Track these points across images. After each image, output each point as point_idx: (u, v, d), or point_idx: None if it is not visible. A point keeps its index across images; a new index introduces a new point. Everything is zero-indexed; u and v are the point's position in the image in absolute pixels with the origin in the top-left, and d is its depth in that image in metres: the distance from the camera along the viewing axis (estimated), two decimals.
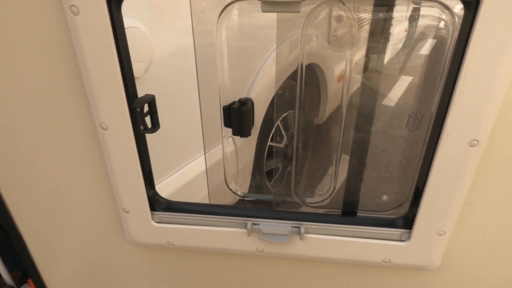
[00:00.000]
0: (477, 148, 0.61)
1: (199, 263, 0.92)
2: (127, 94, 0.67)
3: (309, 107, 0.71)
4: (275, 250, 0.81)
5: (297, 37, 0.63)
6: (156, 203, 0.83)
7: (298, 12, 0.51)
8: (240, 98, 0.69)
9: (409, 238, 0.75)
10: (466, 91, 0.56)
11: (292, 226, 0.78)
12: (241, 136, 0.72)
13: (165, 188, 1.20)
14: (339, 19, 0.60)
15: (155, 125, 0.74)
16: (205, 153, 0.78)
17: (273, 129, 1.63)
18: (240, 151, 1.27)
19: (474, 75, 0.54)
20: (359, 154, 0.75)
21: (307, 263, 0.86)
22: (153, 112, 0.73)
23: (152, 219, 0.81)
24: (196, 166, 0.95)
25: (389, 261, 0.77)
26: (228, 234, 0.80)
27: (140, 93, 1.26)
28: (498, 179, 0.68)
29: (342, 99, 0.74)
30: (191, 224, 0.81)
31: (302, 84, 0.70)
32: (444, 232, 0.72)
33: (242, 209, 0.82)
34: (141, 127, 0.72)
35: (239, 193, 0.87)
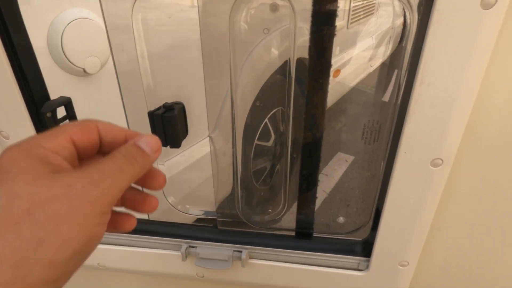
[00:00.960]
0: (442, 167, 0.50)
1: (135, 286, 0.82)
2: (31, 96, 0.57)
3: (299, 103, 0.60)
4: (218, 276, 0.70)
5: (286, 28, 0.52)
6: None
7: None
8: (166, 103, 0.58)
9: (367, 268, 0.64)
10: (423, 99, 0.45)
11: (234, 250, 0.67)
12: (170, 147, 0.61)
13: None
14: (274, 8, 0.49)
15: None
16: None
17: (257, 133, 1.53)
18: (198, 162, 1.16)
19: (433, 78, 0.43)
20: (312, 165, 0.64)
21: None
22: (70, 117, 0.63)
23: None
24: None
25: None
26: (165, 257, 0.70)
27: (95, 92, 1.16)
28: (470, 201, 0.57)
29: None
30: (122, 245, 0.71)
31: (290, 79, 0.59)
32: (408, 263, 0.61)
33: (181, 228, 0.72)
34: None
35: (179, 207, 0.76)
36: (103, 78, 1.15)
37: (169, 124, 0.58)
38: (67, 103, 0.61)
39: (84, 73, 1.10)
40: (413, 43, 0.46)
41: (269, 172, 1.69)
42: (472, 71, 0.42)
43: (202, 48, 0.55)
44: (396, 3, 0.47)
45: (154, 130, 0.60)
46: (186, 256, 0.67)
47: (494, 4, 0.38)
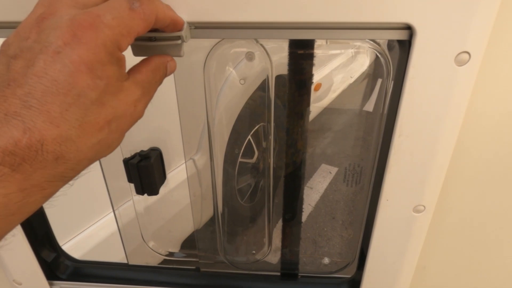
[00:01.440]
0: (424, 213, 0.49)
1: None
2: None
3: (282, 119, 0.59)
4: None
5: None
6: (60, 268, 0.69)
7: (180, 56, 0.39)
8: (142, 151, 0.56)
9: None
10: (403, 149, 0.44)
11: None
12: (148, 195, 0.59)
13: (85, 243, 1.06)
14: (250, 57, 0.48)
15: None
16: (113, 209, 0.65)
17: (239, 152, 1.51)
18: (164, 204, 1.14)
19: (411, 130, 0.43)
20: (294, 203, 0.63)
21: None
22: None
23: None
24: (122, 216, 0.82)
25: None
26: None
27: None
28: (454, 240, 0.57)
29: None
30: None
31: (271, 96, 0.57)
32: None
33: (163, 274, 0.69)
34: None
35: (161, 251, 0.74)
36: None
37: (145, 173, 0.56)
38: None
39: None
40: (390, 96, 0.46)
41: (254, 193, 1.67)
42: (449, 123, 0.42)
43: (178, 99, 0.54)
44: (369, 50, 0.47)
45: (130, 179, 0.58)
46: None
47: (468, 61, 0.38)
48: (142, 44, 0.38)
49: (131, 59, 0.36)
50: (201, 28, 0.40)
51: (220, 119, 0.65)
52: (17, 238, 0.59)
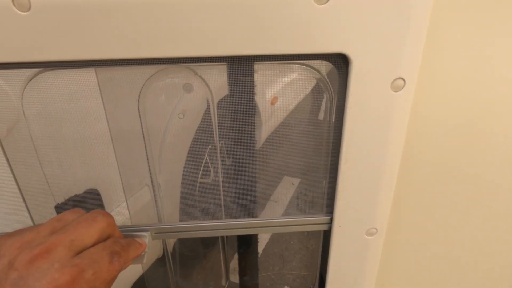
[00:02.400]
0: (377, 235, 0.49)
1: None
2: None
3: (241, 135, 0.55)
4: None
5: None
6: None
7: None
8: (76, 195, 0.50)
9: None
10: (350, 176, 0.44)
11: None
12: None
13: None
14: (188, 88, 0.45)
15: None
16: None
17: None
18: None
19: (356, 157, 0.42)
20: (249, 241, 0.61)
21: None
22: None
23: None
24: None
25: None
26: None
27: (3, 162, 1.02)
28: (408, 256, 0.58)
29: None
30: None
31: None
32: None
33: None
34: None
35: None
36: (10, 146, 1.01)
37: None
38: None
39: None
40: (334, 123, 0.45)
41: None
42: (391, 147, 0.42)
43: (110, 129, 0.49)
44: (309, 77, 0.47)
45: None
46: None
47: (403, 86, 0.39)
48: None
49: None
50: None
51: (168, 155, 0.61)
52: None
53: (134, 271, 0.96)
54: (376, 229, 0.48)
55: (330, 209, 0.49)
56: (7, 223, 0.76)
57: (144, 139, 0.48)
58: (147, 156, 0.50)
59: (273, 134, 0.58)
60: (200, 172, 0.70)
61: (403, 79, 0.38)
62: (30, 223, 0.56)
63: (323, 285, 0.57)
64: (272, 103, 0.61)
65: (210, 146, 0.66)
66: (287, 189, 0.77)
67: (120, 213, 0.94)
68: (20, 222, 0.68)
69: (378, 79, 0.38)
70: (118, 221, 0.82)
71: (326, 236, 0.52)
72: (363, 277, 0.54)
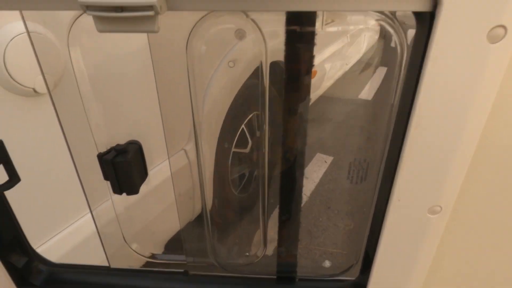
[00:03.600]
0: (440, 214, 0.43)
1: None
2: None
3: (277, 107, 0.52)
4: None
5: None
6: (32, 274, 0.62)
7: (155, 32, 0.32)
8: (118, 145, 0.49)
9: None
10: (419, 143, 0.38)
11: None
12: (127, 194, 0.52)
13: (67, 242, 0.99)
14: (240, 35, 0.41)
15: (13, 178, 0.54)
16: (90, 209, 0.58)
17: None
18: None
19: (430, 122, 0.36)
20: (293, 199, 0.57)
21: None
22: (5, 162, 0.52)
23: None
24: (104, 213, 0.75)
25: None
26: None
27: (48, 115, 1.04)
28: (469, 242, 0.51)
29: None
30: None
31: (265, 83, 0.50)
32: None
33: (147, 279, 0.63)
34: None
35: (145, 252, 0.67)
36: (57, 98, 1.03)
37: (122, 170, 0.49)
38: None
39: (35, 93, 0.98)
40: (404, 81, 0.39)
41: (247, 186, 1.60)
42: (476, 112, 0.35)
43: (158, 85, 0.46)
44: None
45: (106, 177, 0.51)
46: None
47: (503, 37, 0.32)
48: (108, 16, 0.31)
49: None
50: None
51: (210, 107, 0.58)
52: None
53: (168, 229, 0.97)
54: (441, 207, 0.43)
55: (388, 180, 0.44)
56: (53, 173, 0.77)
57: (190, 88, 0.45)
58: (192, 106, 0.47)
59: (326, 101, 0.53)
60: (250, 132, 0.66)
61: (504, 27, 0.31)
62: (74, 173, 0.55)
63: (369, 263, 0.53)
64: (312, 77, 0.56)
65: (255, 113, 0.62)
66: (319, 166, 0.73)
67: (161, 171, 0.94)
68: (66, 171, 0.69)
69: (472, 27, 0.31)
70: (156, 180, 0.81)
71: (380, 210, 0.47)
72: (416, 260, 0.49)
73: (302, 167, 0.53)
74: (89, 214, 0.64)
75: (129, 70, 0.51)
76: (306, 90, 0.53)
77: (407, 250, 0.47)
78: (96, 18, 0.31)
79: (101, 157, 0.49)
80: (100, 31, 0.32)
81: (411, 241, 0.46)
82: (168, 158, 0.55)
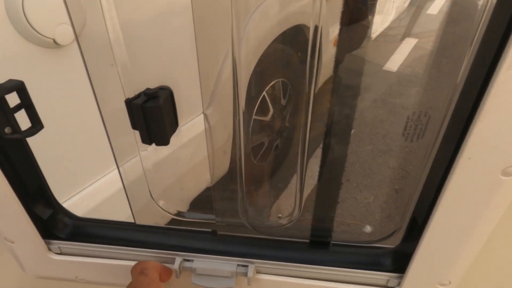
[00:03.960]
0: None
1: None
2: None
3: (298, 75, 0.46)
4: None
5: None
6: (58, 226, 0.60)
7: None
8: (148, 89, 0.44)
9: (399, 285, 0.53)
10: (509, 89, 0.32)
11: (238, 265, 0.56)
12: (156, 145, 0.48)
13: (91, 199, 0.98)
14: None
15: (36, 124, 0.50)
16: (117, 164, 0.55)
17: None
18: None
19: None
20: (336, 159, 0.52)
21: None
22: (27, 106, 0.48)
23: (50, 250, 0.60)
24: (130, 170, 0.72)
25: None
26: None
27: (69, 67, 1.00)
28: None
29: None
30: (104, 257, 0.60)
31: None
32: (449, 282, 0.50)
33: (174, 236, 0.60)
34: (6, 129, 0.48)
35: (172, 210, 0.64)
36: (86, 42, 0.98)
37: (153, 116, 0.44)
38: (19, 88, 0.47)
39: (55, 44, 0.94)
40: (494, 9, 0.32)
41: (274, 154, 1.56)
42: None
43: (194, 14, 0.41)
44: None
45: (134, 125, 0.47)
46: (180, 272, 0.56)
47: None
48: None
49: None
50: None
51: (246, 55, 0.52)
52: (3, 192, 0.50)
53: (195, 187, 0.95)
54: None
55: (455, 136, 0.38)
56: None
57: (232, 27, 0.39)
58: (233, 50, 0.42)
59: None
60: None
61: None
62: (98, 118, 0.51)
63: (418, 230, 0.49)
64: (334, 44, 0.49)
65: (279, 79, 0.57)
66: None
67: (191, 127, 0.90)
68: (91, 126, 0.64)
69: None
70: (185, 138, 0.77)
71: (437, 170, 0.42)
72: (477, 228, 0.43)
73: (349, 127, 0.48)
74: (115, 171, 0.61)
75: (165, 13, 0.46)
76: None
77: (469, 215, 0.42)
78: None
79: (129, 102, 0.44)
80: None
81: (477, 203, 0.40)
82: (203, 111, 0.50)
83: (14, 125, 0.48)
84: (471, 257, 0.47)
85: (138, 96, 0.45)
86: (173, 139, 0.51)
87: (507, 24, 0.30)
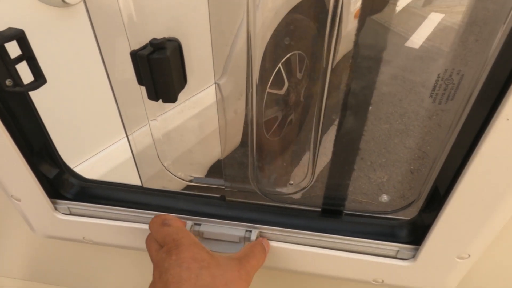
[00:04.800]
0: None
1: (127, 262, 0.72)
2: None
3: (317, 47, 0.44)
4: None
5: None
6: (64, 186, 0.60)
7: None
8: (154, 39, 0.41)
9: (414, 257, 0.51)
10: None
11: (246, 230, 0.54)
12: (163, 101, 0.45)
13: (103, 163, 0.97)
14: None
15: (38, 77, 0.48)
16: (126, 132, 0.53)
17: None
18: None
19: None
20: (353, 125, 0.49)
21: (270, 273, 0.64)
22: (28, 57, 0.46)
23: (56, 209, 0.59)
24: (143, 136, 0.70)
25: (382, 281, 0.55)
26: None
27: (77, 26, 0.97)
28: None
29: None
30: (111, 219, 0.59)
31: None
32: (469, 256, 0.48)
33: (182, 200, 0.59)
34: (7, 81, 0.46)
35: (181, 175, 0.63)
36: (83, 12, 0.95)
37: (159, 69, 0.41)
38: (19, 36, 0.44)
39: (63, 3, 0.90)
40: None
41: (287, 125, 1.53)
42: None
43: None
44: None
45: (140, 79, 0.44)
46: None
47: None
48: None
49: None
50: None
51: (262, 24, 0.48)
52: (7, 148, 0.49)
53: (211, 155, 0.93)
54: None
55: (491, 95, 0.34)
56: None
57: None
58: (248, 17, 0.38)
59: None
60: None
61: None
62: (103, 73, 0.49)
63: (439, 201, 0.46)
64: (356, 16, 0.45)
65: (296, 52, 0.53)
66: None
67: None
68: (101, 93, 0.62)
69: None
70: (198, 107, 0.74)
71: (468, 132, 0.38)
72: (505, 201, 0.40)
73: (370, 95, 0.44)
74: (125, 139, 0.58)
75: None
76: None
77: (499, 185, 0.38)
78: None
79: (134, 54, 0.41)
80: None
81: (509, 174, 0.37)
82: (215, 82, 0.47)
83: (16, 77, 0.46)
84: (495, 231, 0.44)
85: (144, 47, 0.42)
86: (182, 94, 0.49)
87: None
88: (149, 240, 0.49)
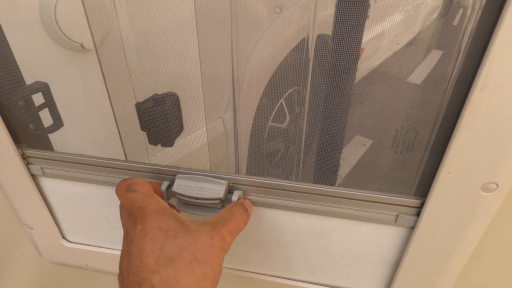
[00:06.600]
0: (495, 193, 0.39)
1: None
2: None
3: (321, 83, 0.51)
4: None
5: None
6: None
7: None
8: (156, 94, 0.48)
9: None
10: (483, 109, 0.33)
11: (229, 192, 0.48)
12: (162, 146, 0.52)
13: None
14: None
15: (57, 121, 0.56)
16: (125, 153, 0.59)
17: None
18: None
19: (502, 83, 0.32)
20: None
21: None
22: (50, 105, 0.54)
23: (64, 237, 0.65)
24: None
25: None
26: None
27: (94, 70, 1.07)
28: None
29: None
30: (113, 248, 0.64)
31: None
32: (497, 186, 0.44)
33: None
34: (31, 125, 0.54)
35: None
36: (103, 54, 1.05)
37: (159, 119, 0.48)
38: (44, 89, 0.53)
39: (82, 48, 1.01)
40: (473, 31, 0.34)
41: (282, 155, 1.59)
42: None
43: (198, 33, 0.45)
44: None
45: (143, 127, 0.51)
46: (169, 196, 0.53)
47: None
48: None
49: None
50: None
51: (251, 74, 0.55)
52: (26, 185, 0.55)
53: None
54: (497, 185, 0.38)
55: (439, 151, 0.40)
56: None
57: (232, 46, 0.43)
58: (232, 66, 0.45)
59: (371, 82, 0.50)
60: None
61: None
62: (112, 118, 0.56)
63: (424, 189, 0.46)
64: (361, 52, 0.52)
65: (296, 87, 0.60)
66: (357, 149, 0.72)
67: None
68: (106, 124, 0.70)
69: None
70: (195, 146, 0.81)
71: (423, 182, 0.43)
72: (460, 243, 0.45)
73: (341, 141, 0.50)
74: None
75: (172, 27, 0.50)
76: (353, 66, 0.49)
77: (453, 227, 0.43)
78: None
79: (139, 106, 0.49)
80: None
81: (458, 219, 0.42)
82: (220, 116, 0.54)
83: (38, 122, 0.54)
84: (457, 270, 0.48)
85: (146, 101, 0.49)
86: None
87: (480, 53, 0.32)
88: (121, 206, 0.43)
